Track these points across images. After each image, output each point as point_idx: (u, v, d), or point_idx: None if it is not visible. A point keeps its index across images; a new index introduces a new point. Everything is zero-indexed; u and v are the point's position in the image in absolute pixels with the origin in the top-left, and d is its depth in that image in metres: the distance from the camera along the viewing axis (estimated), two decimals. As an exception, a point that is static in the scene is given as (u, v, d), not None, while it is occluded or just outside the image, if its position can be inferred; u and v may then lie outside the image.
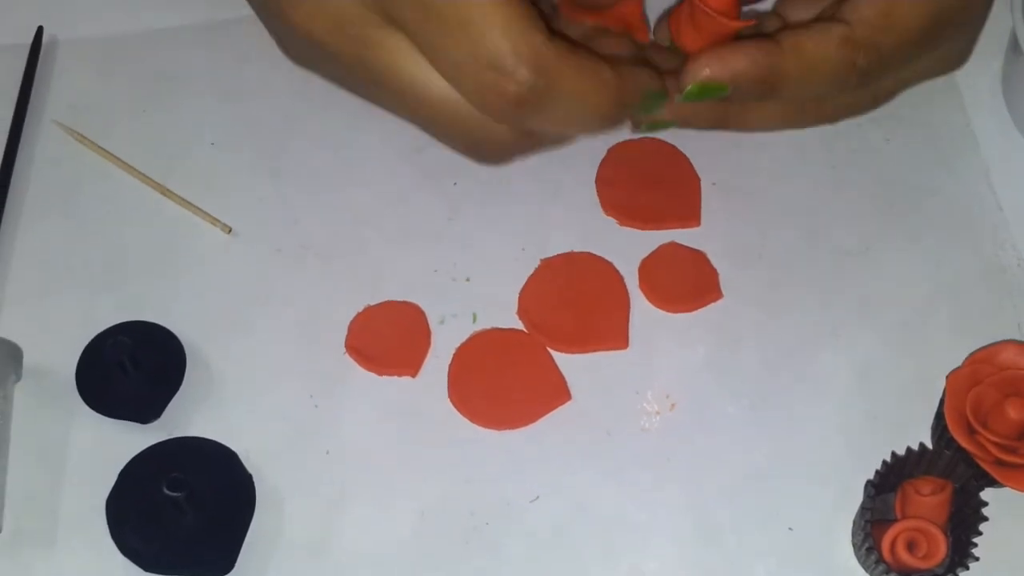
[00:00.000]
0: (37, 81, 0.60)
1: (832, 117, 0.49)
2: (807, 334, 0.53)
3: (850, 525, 0.49)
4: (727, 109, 0.47)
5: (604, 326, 0.53)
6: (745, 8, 0.49)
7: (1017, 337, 0.52)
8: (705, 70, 0.44)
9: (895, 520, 0.47)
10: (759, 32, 0.48)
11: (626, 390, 0.52)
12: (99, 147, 0.58)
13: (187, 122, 0.59)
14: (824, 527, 0.49)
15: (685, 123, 0.47)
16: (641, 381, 0.53)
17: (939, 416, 0.50)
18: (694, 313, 0.54)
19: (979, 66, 0.59)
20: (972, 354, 0.50)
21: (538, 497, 0.50)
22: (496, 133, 0.44)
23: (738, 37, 0.46)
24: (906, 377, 0.52)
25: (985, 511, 0.47)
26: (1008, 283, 0.54)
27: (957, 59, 0.49)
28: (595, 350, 0.53)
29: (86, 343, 0.52)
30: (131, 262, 0.56)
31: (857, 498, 0.48)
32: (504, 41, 0.40)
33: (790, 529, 0.49)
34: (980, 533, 0.47)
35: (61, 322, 0.54)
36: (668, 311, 0.54)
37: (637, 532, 0.49)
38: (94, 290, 0.55)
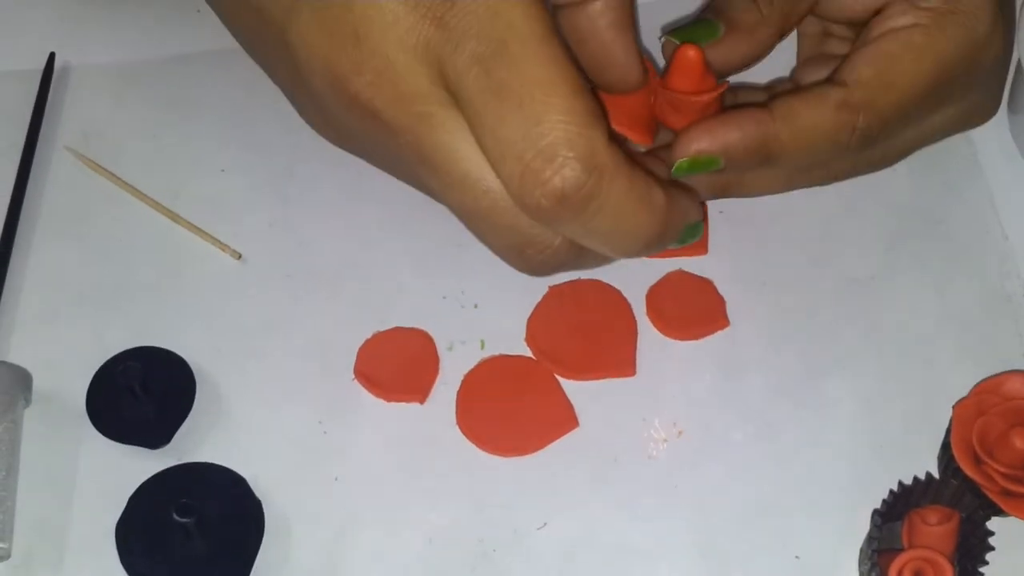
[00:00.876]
0: (49, 107, 0.60)
1: (839, 177, 0.48)
2: (814, 362, 0.54)
3: (857, 554, 0.49)
4: (726, 178, 0.46)
5: (612, 353, 0.54)
6: (732, 78, 0.49)
7: (1023, 366, 0.52)
8: (694, 144, 0.43)
9: (902, 549, 0.47)
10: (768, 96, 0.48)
11: (633, 417, 0.53)
12: (110, 173, 0.59)
13: (197, 148, 0.60)
14: (831, 556, 0.49)
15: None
16: (648, 408, 0.53)
17: (945, 446, 0.50)
18: (701, 341, 0.54)
19: (984, 95, 0.60)
20: (978, 384, 0.50)
21: (546, 524, 0.50)
22: (542, 237, 0.40)
23: (736, 105, 0.45)
24: (912, 406, 0.52)
25: (992, 541, 0.47)
26: (1014, 312, 0.55)
27: (981, 114, 0.48)
28: (603, 377, 0.53)
29: (96, 368, 0.53)
30: (141, 288, 0.56)
31: (864, 527, 0.48)
32: (562, 128, 0.36)
33: (797, 558, 0.49)
34: (987, 563, 0.47)
35: (71, 347, 0.54)
36: (675, 339, 0.54)
37: (644, 559, 0.49)
38: (104, 315, 0.55)
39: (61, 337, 0.55)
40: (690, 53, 0.44)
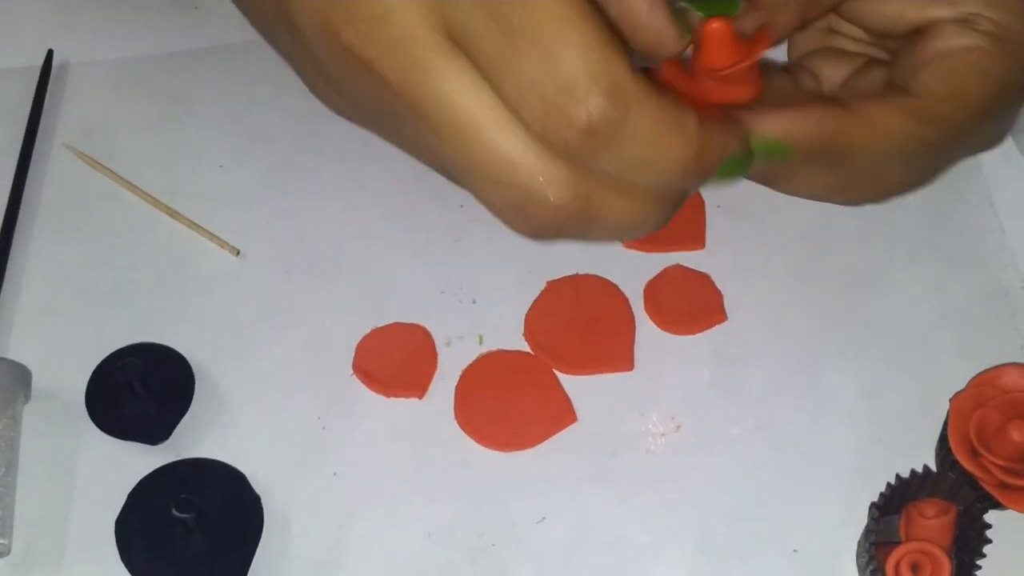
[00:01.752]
0: (47, 104, 0.61)
1: (879, 196, 0.47)
2: (811, 356, 0.54)
3: (855, 547, 0.49)
4: (778, 167, 0.43)
5: (610, 348, 0.54)
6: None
7: (1020, 359, 0.53)
8: (770, 129, 0.41)
9: (899, 542, 0.47)
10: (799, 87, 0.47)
11: (632, 411, 0.53)
12: (109, 170, 0.59)
13: (196, 145, 0.60)
14: (829, 549, 0.49)
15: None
16: (646, 402, 0.53)
17: (943, 439, 0.50)
18: (699, 335, 0.54)
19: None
20: (975, 377, 0.50)
21: (544, 518, 0.50)
22: (547, 195, 0.38)
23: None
24: (910, 399, 0.52)
25: (989, 533, 0.47)
26: (1011, 306, 0.55)
27: (997, 135, 0.48)
28: (601, 372, 0.53)
29: (95, 364, 0.53)
30: (140, 284, 0.56)
31: (862, 520, 0.49)
32: (581, 61, 0.35)
33: (795, 551, 0.49)
34: (984, 555, 0.47)
35: (71, 344, 0.54)
36: (673, 333, 0.54)
37: (642, 553, 0.50)
38: (103, 312, 0.55)
39: (60, 333, 0.55)
40: (715, 26, 0.41)
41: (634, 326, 0.54)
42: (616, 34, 0.38)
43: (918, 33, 0.46)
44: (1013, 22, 0.45)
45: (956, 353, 0.53)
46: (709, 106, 0.40)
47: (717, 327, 0.54)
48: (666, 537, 0.50)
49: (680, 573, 0.49)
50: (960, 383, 0.51)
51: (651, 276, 0.55)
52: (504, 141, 0.37)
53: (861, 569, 0.48)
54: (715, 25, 0.41)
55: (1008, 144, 0.59)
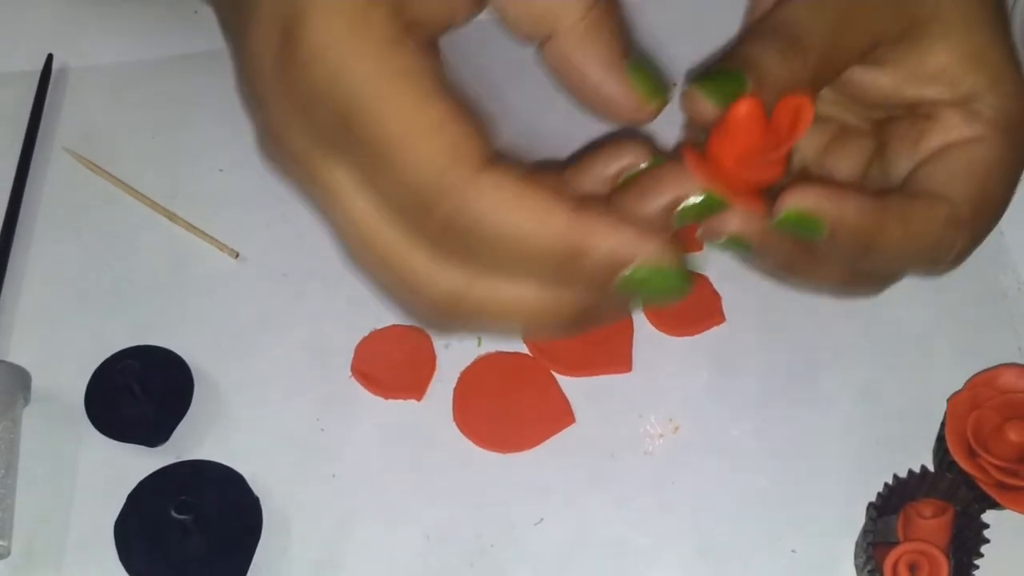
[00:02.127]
0: (47, 108, 0.61)
1: (882, 289, 0.46)
2: (809, 357, 0.54)
3: (853, 548, 0.49)
4: (800, 255, 0.41)
5: (608, 350, 0.54)
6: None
7: (1017, 360, 0.53)
8: (811, 199, 0.39)
9: (897, 542, 0.47)
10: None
11: (630, 413, 0.53)
12: (108, 173, 0.59)
13: (195, 149, 0.60)
14: (827, 549, 0.49)
15: (760, 249, 0.40)
16: (645, 404, 0.53)
17: (940, 439, 0.50)
18: (697, 337, 0.54)
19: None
20: (973, 377, 0.51)
21: (542, 520, 0.50)
22: (424, 290, 0.37)
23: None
24: (908, 400, 0.53)
25: (986, 533, 0.47)
26: (1008, 307, 0.55)
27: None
28: (599, 373, 0.53)
29: (95, 367, 0.53)
30: (139, 287, 0.56)
31: (859, 521, 0.49)
32: (427, 167, 0.35)
33: (793, 551, 0.50)
34: (981, 555, 0.47)
35: (70, 346, 0.54)
36: (671, 335, 0.55)
37: (641, 554, 0.50)
38: (103, 315, 0.55)
39: (60, 336, 0.55)
40: (743, 110, 0.38)
41: (632, 328, 0.54)
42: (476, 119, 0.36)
43: (915, 114, 0.45)
44: (1014, 107, 0.44)
45: (954, 354, 0.53)
46: (738, 192, 0.38)
47: (715, 329, 0.55)
48: (664, 538, 0.50)
49: (678, 574, 0.49)
50: (957, 384, 0.51)
51: (649, 278, 0.56)
52: (380, 241, 0.38)
53: (859, 569, 0.48)
54: (743, 109, 0.37)
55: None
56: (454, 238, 0.36)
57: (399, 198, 0.36)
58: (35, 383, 0.53)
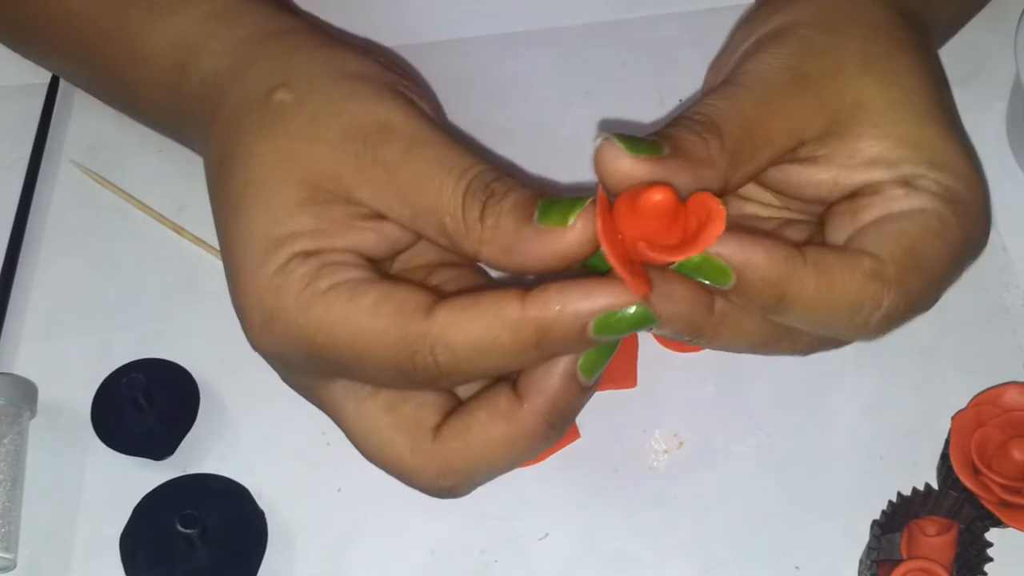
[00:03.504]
0: (55, 121, 0.61)
1: (814, 348, 0.45)
2: (814, 374, 0.54)
3: (856, 565, 0.49)
4: (706, 313, 0.40)
5: (613, 365, 0.53)
6: None
7: (1022, 378, 0.53)
8: (716, 245, 0.37)
9: (901, 560, 0.47)
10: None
11: (634, 428, 0.53)
12: (115, 186, 0.59)
13: (202, 162, 0.60)
14: (830, 567, 0.49)
15: (661, 312, 0.39)
16: (649, 420, 0.53)
17: (944, 457, 0.50)
18: (702, 353, 0.55)
19: (984, 108, 0.60)
20: (977, 396, 0.51)
21: (547, 535, 0.51)
22: (417, 478, 0.43)
23: None
24: (912, 418, 0.53)
25: (990, 552, 0.47)
26: (1012, 324, 0.55)
27: (933, 302, 0.44)
28: (604, 389, 0.54)
29: (101, 380, 0.53)
30: (146, 300, 0.56)
31: (863, 538, 0.49)
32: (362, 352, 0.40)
33: (796, 568, 0.50)
34: (985, 573, 0.47)
35: (77, 359, 0.55)
36: (676, 351, 0.55)
37: (645, 570, 0.50)
38: (109, 328, 0.56)
39: (66, 349, 0.55)
40: (657, 198, 0.36)
41: (637, 343, 0.55)
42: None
43: (854, 195, 0.44)
44: (959, 184, 0.43)
45: (958, 371, 0.53)
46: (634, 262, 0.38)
47: (720, 345, 0.55)
48: (668, 554, 0.50)
49: (682, 590, 0.49)
50: (962, 401, 0.51)
51: (654, 293, 0.56)
52: (375, 440, 0.43)
53: (863, 587, 0.49)
54: (657, 197, 0.36)
55: (1009, 161, 0.59)
56: (443, 375, 0.39)
57: (388, 378, 0.41)
58: (41, 396, 0.53)
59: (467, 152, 0.42)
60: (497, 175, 0.42)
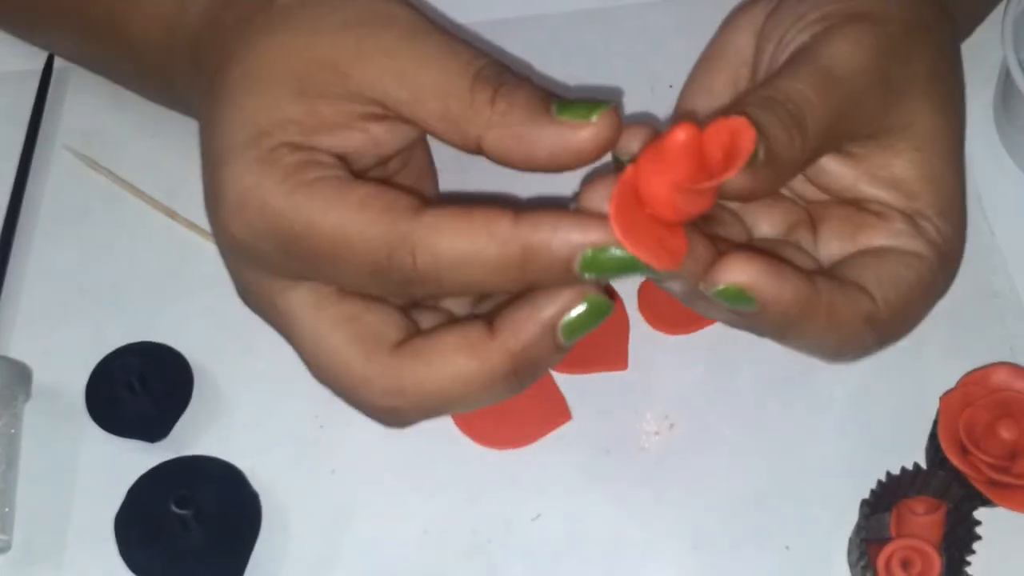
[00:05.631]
0: (48, 107, 0.61)
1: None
2: (804, 356, 0.54)
3: (846, 544, 0.50)
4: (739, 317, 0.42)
5: (604, 347, 0.54)
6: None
7: (1009, 359, 0.53)
8: (751, 275, 0.39)
9: (890, 539, 0.47)
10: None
11: (625, 410, 0.53)
12: (109, 171, 0.59)
13: (195, 147, 0.60)
14: (820, 546, 0.50)
15: (686, 294, 0.42)
16: (640, 402, 0.53)
17: (933, 437, 0.50)
18: (692, 335, 0.55)
19: (971, 94, 0.59)
20: (965, 376, 0.51)
21: (539, 515, 0.51)
22: (365, 390, 0.41)
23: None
24: (901, 398, 0.53)
25: (978, 530, 0.48)
26: (1000, 307, 0.55)
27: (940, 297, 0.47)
28: (595, 371, 0.54)
29: (95, 363, 0.53)
30: (140, 284, 0.57)
31: (853, 517, 0.49)
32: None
33: (787, 548, 0.50)
34: (973, 552, 0.47)
35: (71, 343, 0.55)
36: (667, 333, 0.55)
37: (636, 551, 0.50)
38: (104, 312, 0.56)
39: (61, 333, 0.55)
40: (681, 136, 0.36)
41: (628, 326, 0.55)
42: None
43: (862, 207, 0.45)
44: (954, 238, 0.44)
45: (946, 353, 0.54)
46: (662, 226, 0.37)
47: (710, 327, 0.55)
48: (659, 534, 0.50)
49: (673, 570, 0.50)
50: (950, 382, 0.51)
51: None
52: (326, 349, 0.42)
53: (852, 565, 0.49)
54: (682, 137, 0.36)
55: (996, 146, 0.60)
56: (418, 279, 0.38)
57: (359, 278, 0.39)
58: (36, 379, 0.54)
59: (476, 48, 0.41)
60: (508, 70, 0.40)
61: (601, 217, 0.37)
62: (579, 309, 0.39)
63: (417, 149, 0.49)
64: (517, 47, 0.62)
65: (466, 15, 0.63)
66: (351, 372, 0.41)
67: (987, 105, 0.61)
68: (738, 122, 0.37)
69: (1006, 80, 0.58)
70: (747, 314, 0.40)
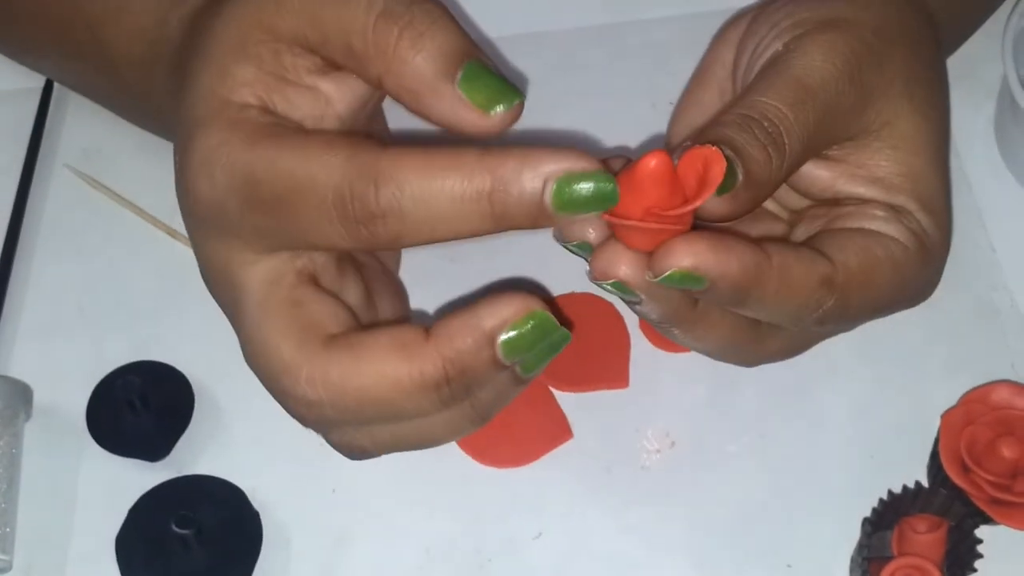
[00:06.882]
0: (49, 125, 0.61)
1: (756, 361, 0.47)
2: (805, 374, 0.54)
3: (848, 562, 0.50)
4: (688, 305, 0.42)
5: (605, 365, 0.54)
6: None
7: (1010, 377, 0.53)
8: (695, 258, 0.38)
9: (892, 557, 0.47)
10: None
11: (627, 428, 0.53)
12: (109, 190, 0.59)
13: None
14: (822, 564, 0.50)
15: (649, 297, 0.40)
16: (641, 419, 0.53)
17: (934, 455, 0.50)
18: (693, 352, 0.55)
19: (971, 109, 0.60)
20: (966, 394, 0.51)
21: (540, 534, 0.51)
22: (288, 377, 0.40)
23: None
24: (902, 416, 0.53)
25: (980, 548, 0.48)
26: (1001, 324, 0.55)
27: (921, 297, 0.47)
28: (596, 389, 0.54)
29: (96, 382, 0.53)
30: (141, 303, 0.57)
31: (855, 535, 0.49)
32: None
33: (789, 566, 0.50)
34: (975, 570, 0.47)
35: (72, 362, 0.55)
36: (668, 350, 0.55)
37: (637, 569, 0.50)
38: (104, 330, 0.56)
39: (61, 352, 0.55)
40: (652, 164, 0.37)
41: (629, 344, 0.55)
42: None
43: (840, 203, 0.45)
44: (936, 233, 0.44)
45: (947, 371, 0.54)
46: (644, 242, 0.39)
47: (711, 345, 0.55)
48: (661, 552, 0.50)
49: (675, 588, 0.50)
50: (951, 400, 0.51)
51: (646, 294, 0.56)
52: (259, 338, 0.41)
53: (854, 584, 0.49)
54: (653, 164, 0.37)
55: (997, 162, 0.60)
56: (379, 214, 0.37)
57: (320, 222, 0.38)
58: (37, 398, 0.54)
59: None
60: (427, 4, 0.39)
61: (573, 148, 0.36)
62: (522, 328, 0.38)
63: (376, 124, 0.49)
64: (521, 64, 0.63)
65: (472, 33, 0.63)
66: (280, 356, 0.40)
67: (988, 120, 0.61)
68: (710, 152, 0.38)
69: (1006, 96, 0.58)
70: (698, 292, 0.40)
